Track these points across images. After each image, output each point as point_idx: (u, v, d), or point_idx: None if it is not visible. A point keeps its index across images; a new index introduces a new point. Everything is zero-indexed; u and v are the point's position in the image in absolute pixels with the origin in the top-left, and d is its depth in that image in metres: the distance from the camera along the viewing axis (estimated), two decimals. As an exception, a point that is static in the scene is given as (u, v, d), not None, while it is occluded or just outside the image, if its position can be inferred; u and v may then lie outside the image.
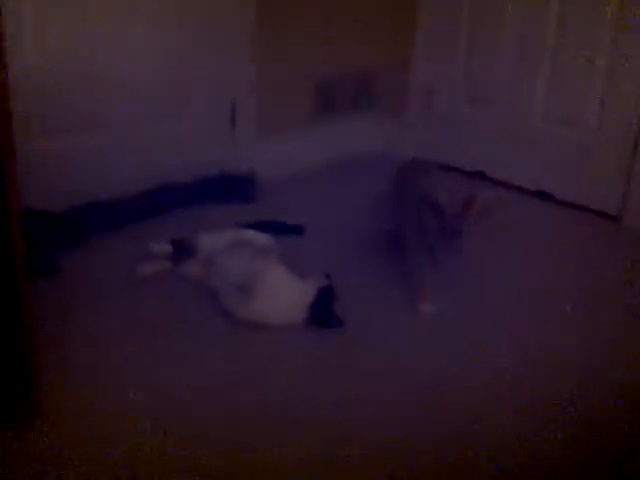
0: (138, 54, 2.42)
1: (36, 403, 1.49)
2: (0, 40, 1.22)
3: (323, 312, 1.87)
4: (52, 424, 1.50)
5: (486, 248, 2.34)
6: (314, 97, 2.99)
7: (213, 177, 2.63)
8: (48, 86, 2.23)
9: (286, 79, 2.85)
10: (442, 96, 3.07)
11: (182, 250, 2.10)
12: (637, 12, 2.48)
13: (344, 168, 2.98)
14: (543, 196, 2.83)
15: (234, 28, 2.61)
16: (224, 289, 1.94)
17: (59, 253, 2.13)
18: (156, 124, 2.55)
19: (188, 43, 2.54)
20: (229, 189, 2.63)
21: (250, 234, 2.12)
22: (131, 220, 2.37)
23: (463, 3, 2.93)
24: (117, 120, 2.44)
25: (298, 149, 2.92)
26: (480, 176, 2.98)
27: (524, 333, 1.95)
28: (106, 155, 2.42)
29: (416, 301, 2.01)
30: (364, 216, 2.54)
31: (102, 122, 2.41)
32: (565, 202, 2.78)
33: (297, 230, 2.41)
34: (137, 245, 2.20)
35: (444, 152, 3.08)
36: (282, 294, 1.90)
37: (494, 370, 1.78)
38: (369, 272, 2.20)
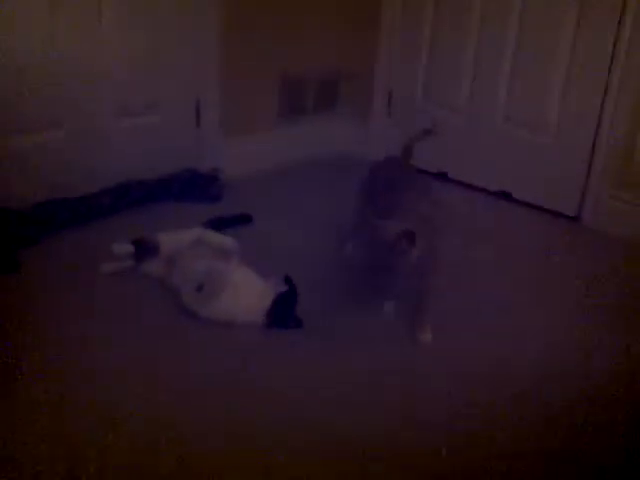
0: (104, 50, 2.41)
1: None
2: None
3: (281, 315, 1.90)
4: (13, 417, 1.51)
5: (449, 250, 2.38)
6: (281, 97, 3.00)
7: (178, 175, 2.63)
8: (11, 83, 2.22)
9: (253, 79, 2.85)
10: (405, 98, 3.10)
11: (144, 249, 2.10)
12: (596, 16, 2.54)
13: (311, 168, 2.99)
14: (505, 197, 2.88)
15: (201, 26, 2.61)
16: (185, 288, 1.95)
17: (22, 250, 2.12)
18: (121, 121, 2.54)
19: (154, 40, 2.53)
20: (195, 187, 2.63)
21: (211, 234, 2.12)
22: (96, 216, 2.37)
23: (426, 6, 2.96)
24: (83, 117, 2.43)
25: (265, 149, 2.93)
26: (443, 177, 3.02)
27: (493, 330, 2.01)
28: (71, 152, 2.41)
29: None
30: (329, 214, 2.56)
31: (68, 119, 2.40)
32: (526, 203, 2.83)
33: (245, 218, 2.46)
34: (102, 242, 2.19)
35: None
36: (244, 295, 1.91)
37: (474, 372, 1.83)
38: (333, 272, 2.23)
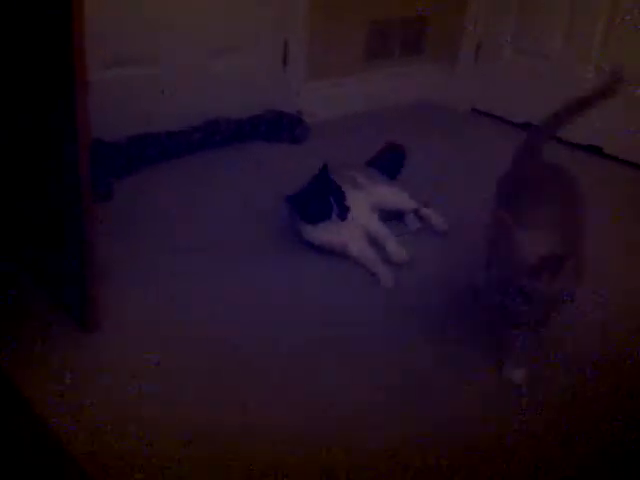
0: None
1: (95, 315, 1.59)
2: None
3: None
4: (110, 336, 1.60)
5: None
6: (368, 41, 2.99)
7: (265, 115, 2.68)
8: (106, 18, 2.27)
9: (340, 22, 2.85)
10: (493, 45, 3.04)
11: None
12: None
13: (393, 114, 2.99)
14: (593, 151, 2.81)
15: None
16: None
17: (116, 179, 2.22)
18: (211, 59, 2.59)
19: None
20: (280, 128, 2.67)
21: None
22: (185, 152, 2.46)
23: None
24: (175, 54, 2.49)
25: (349, 92, 2.95)
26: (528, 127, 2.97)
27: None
28: (162, 88, 2.48)
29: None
30: (410, 160, 2.56)
31: (160, 55, 2.46)
32: (616, 158, 2.75)
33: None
34: (187, 176, 2.30)
35: (493, 103, 3.08)
36: None
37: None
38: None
